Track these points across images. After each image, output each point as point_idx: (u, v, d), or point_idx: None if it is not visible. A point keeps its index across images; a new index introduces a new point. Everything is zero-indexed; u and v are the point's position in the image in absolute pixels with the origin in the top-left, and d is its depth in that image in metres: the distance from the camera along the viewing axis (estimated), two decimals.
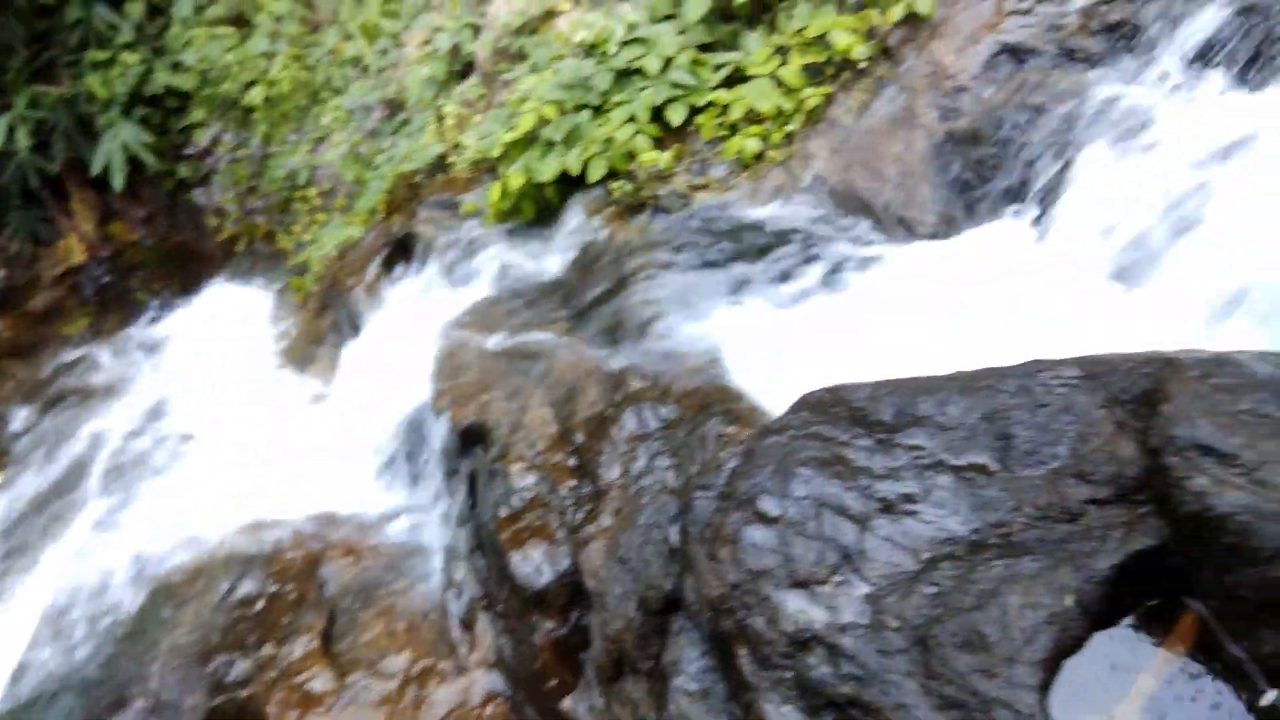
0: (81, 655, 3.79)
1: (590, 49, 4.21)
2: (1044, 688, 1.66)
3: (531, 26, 4.78)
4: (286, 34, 6.91)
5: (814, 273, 3.14)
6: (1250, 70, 2.70)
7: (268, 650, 3.41)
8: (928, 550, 1.91)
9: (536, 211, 4.27)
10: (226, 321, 6.39)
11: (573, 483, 2.91)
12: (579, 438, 3.00)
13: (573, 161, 4.00)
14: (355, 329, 4.73)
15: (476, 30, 5.31)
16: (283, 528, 3.80)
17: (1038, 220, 2.84)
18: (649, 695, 2.39)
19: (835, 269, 3.10)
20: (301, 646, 3.36)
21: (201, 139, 7.57)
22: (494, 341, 3.60)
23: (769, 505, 2.05)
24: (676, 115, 3.92)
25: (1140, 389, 1.90)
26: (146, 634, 3.69)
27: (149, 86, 7.91)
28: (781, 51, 3.82)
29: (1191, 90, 2.73)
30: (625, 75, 4.04)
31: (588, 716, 2.68)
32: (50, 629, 3.94)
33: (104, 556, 4.17)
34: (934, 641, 1.75)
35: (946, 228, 3.10)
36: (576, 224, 4.01)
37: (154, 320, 7.33)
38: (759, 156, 3.74)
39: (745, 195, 3.65)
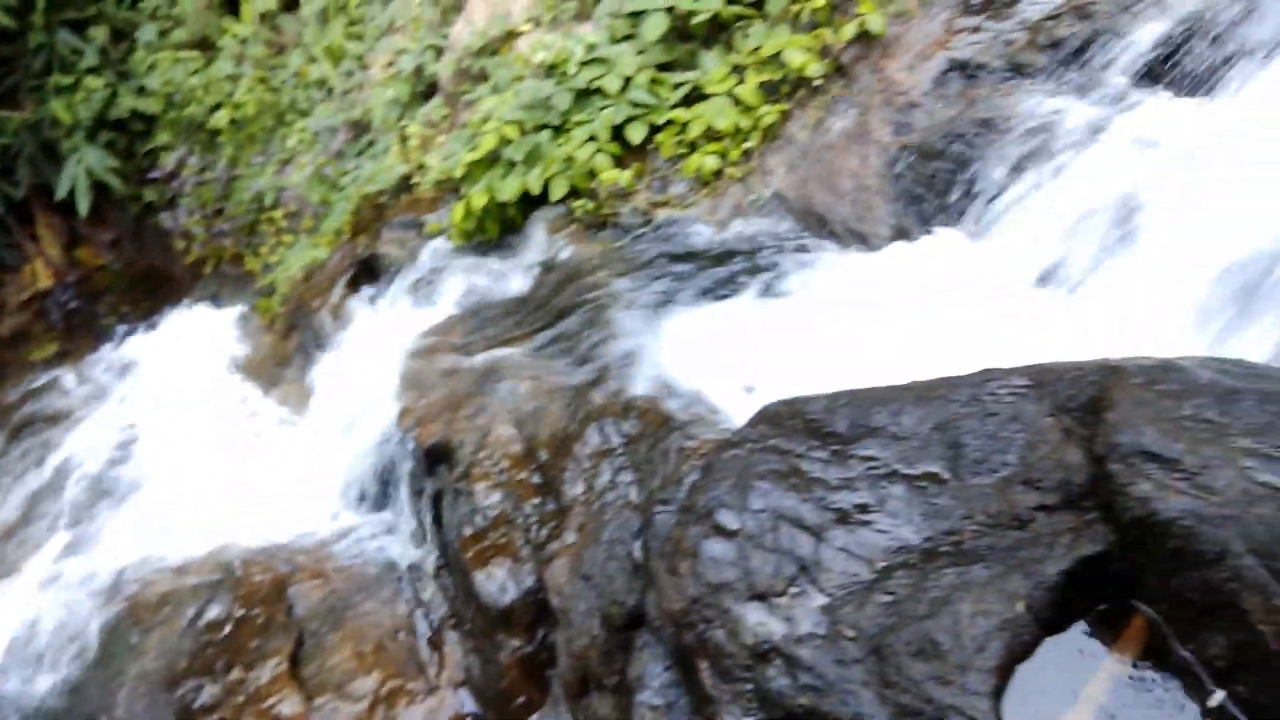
0: (47, 685, 3.75)
1: (550, 69, 4.24)
2: (997, 694, 1.68)
3: (492, 48, 4.81)
4: (251, 56, 6.91)
5: (773, 286, 3.17)
6: (1194, 82, 2.76)
7: (235, 675, 3.38)
8: (882, 559, 1.93)
9: (500, 230, 4.30)
10: (194, 344, 6.34)
11: (537, 500, 2.92)
12: (543, 455, 3.01)
13: (534, 181, 4.02)
14: (322, 350, 4.72)
15: (439, 52, 5.34)
16: (250, 551, 3.78)
17: (987, 232, 2.89)
18: (615, 710, 2.39)
19: (794, 282, 3.14)
20: (269, 670, 3.34)
21: (167, 162, 7.55)
22: (459, 360, 3.61)
23: (727, 519, 2.07)
24: (636, 134, 3.95)
25: (1086, 396, 1.93)
26: (113, 661, 3.66)
27: (114, 111, 7.89)
28: (738, 70, 3.87)
29: (1137, 102, 2.78)
30: (585, 95, 4.08)
31: None
32: (15, 658, 3.90)
33: (70, 584, 4.13)
34: (889, 650, 1.77)
35: (901, 241, 3.14)
36: (539, 242, 4.03)
37: (122, 344, 7.27)
38: (718, 173, 3.78)
39: (705, 212, 3.68)
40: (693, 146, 3.87)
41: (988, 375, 2.09)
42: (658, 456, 2.68)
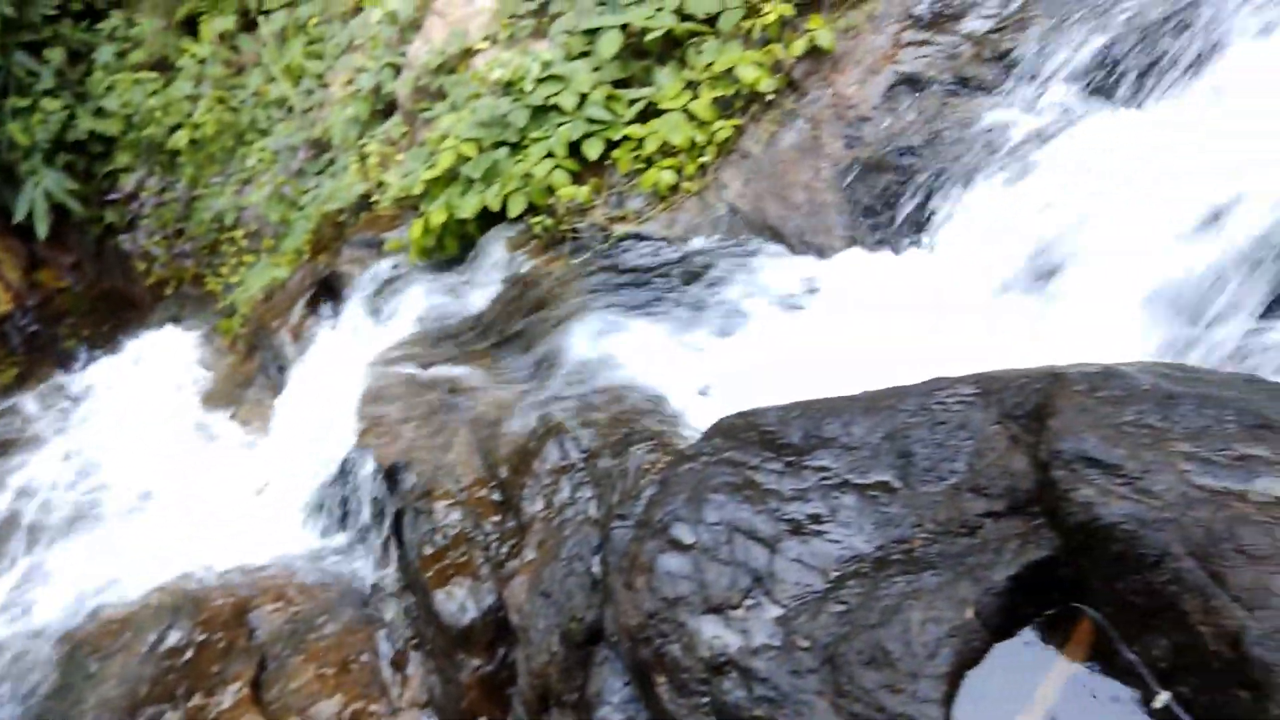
0: (5, 717, 3.69)
1: (507, 87, 4.25)
2: (948, 700, 1.70)
3: (450, 66, 4.82)
4: (211, 76, 6.88)
5: (729, 298, 3.19)
6: (1134, 90, 2.81)
7: (197, 700, 3.34)
8: (835, 569, 1.94)
9: (459, 247, 4.29)
10: (156, 367, 6.29)
11: (497, 518, 2.91)
12: (503, 472, 3.01)
13: (492, 198, 4.03)
14: (282, 370, 4.69)
15: (397, 70, 5.34)
16: (210, 575, 3.74)
17: (935, 243, 2.93)
18: None
19: (747, 295, 3.16)
20: (231, 696, 3.31)
21: (127, 184, 7.48)
22: (419, 378, 3.60)
23: (683, 532, 2.07)
24: (593, 150, 3.97)
25: (1032, 404, 1.95)
26: (73, 690, 3.61)
27: (72, 133, 7.82)
28: (692, 86, 3.90)
29: (1079, 112, 2.84)
30: (542, 112, 4.09)
31: None
32: None
33: (28, 612, 4.07)
34: (842, 660, 1.78)
35: (854, 251, 3.17)
36: (499, 259, 4.03)
37: (83, 368, 7.19)
38: (674, 188, 3.80)
39: (662, 226, 3.70)
40: (649, 162, 3.89)
41: (936, 384, 2.11)
42: (616, 471, 2.68)
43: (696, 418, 2.79)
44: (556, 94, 4.05)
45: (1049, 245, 2.67)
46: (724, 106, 3.81)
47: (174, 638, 3.57)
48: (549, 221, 3.94)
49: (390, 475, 3.29)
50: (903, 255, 3.04)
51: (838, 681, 1.77)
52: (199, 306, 6.96)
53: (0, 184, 7.90)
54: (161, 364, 6.26)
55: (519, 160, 4.05)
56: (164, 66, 7.41)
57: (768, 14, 3.73)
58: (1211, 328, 2.34)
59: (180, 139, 6.80)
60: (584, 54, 4.19)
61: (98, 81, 7.66)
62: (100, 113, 7.71)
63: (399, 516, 3.22)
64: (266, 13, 6.64)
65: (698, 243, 3.57)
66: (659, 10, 3.99)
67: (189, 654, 3.51)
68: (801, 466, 2.11)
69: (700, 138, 3.77)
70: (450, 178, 4.24)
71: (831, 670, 1.78)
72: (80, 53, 7.95)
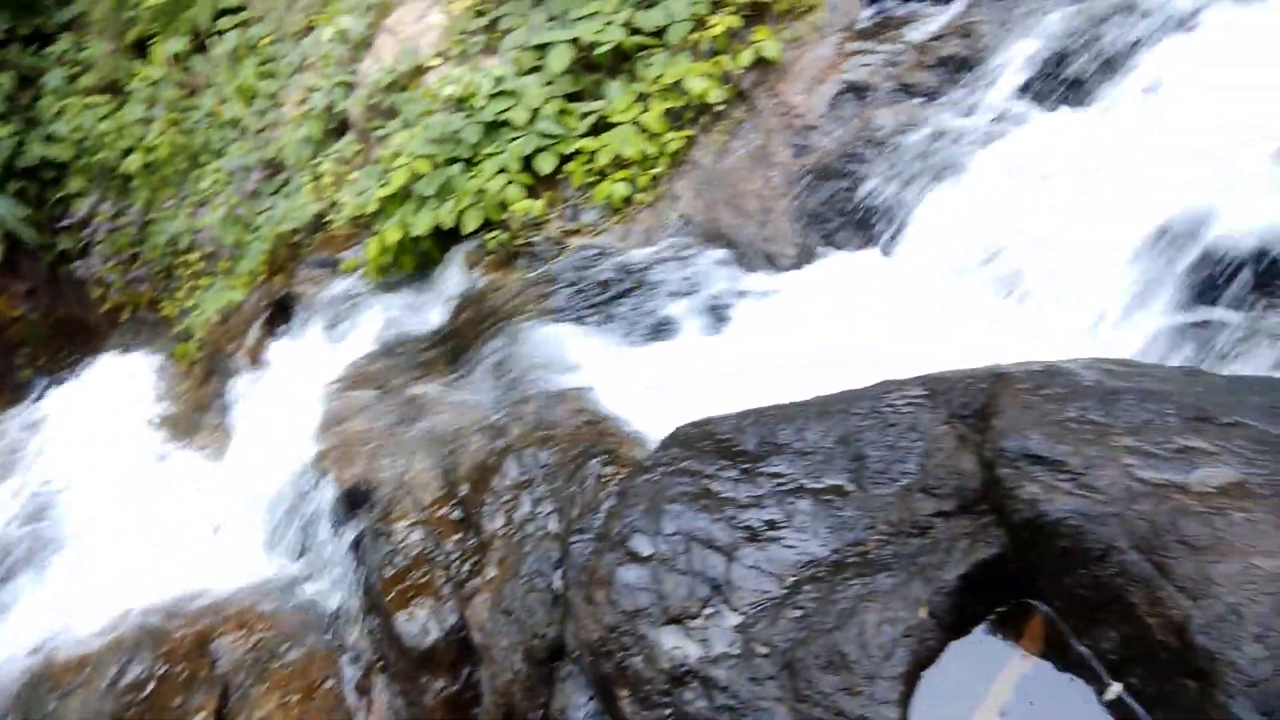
0: None
1: (459, 103, 4.25)
2: (905, 701, 1.71)
3: (401, 83, 4.81)
4: (163, 99, 6.81)
5: (683, 308, 3.21)
6: (1073, 92, 2.86)
7: None
8: (793, 574, 1.95)
9: (415, 265, 4.28)
10: (111, 394, 6.20)
11: (457, 536, 2.89)
12: (463, 489, 2.99)
13: (446, 214, 4.02)
14: (239, 394, 4.64)
15: (350, 88, 5.32)
16: (170, 605, 3.68)
17: (885, 246, 2.96)
18: None
19: (703, 304, 3.18)
20: None
21: (80, 209, 7.39)
22: (377, 398, 3.58)
23: (641, 544, 2.07)
24: (546, 164, 3.98)
25: (978, 403, 1.98)
26: None
27: (22, 159, 7.71)
28: (643, 99, 3.93)
29: (1020, 115, 2.88)
30: (494, 127, 4.09)
31: None
32: None
33: None
34: (800, 665, 1.79)
35: (807, 259, 3.20)
36: (455, 275, 4.03)
37: (39, 398, 7.07)
38: (628, 200, 3.82)
39: (616, 238, 3.72)
40: (602, 175, 3.91)
41: (886, 387, 2.13)
42: (576, 485, 2.68)
43: (654, 427, 2.79)
44: (508, 109, 4.06)
45: (997, 246, 2.71)
46: (674, 118, 3.84)
47: (135, 671, 3.51)
48: (504, 236, 3.94)
49: (349, 497, 3.26)
50: (854, 259, 3.07)
51: (796, 687, 1.77)
52: (155, 332, 6.88)
53: None
54: (118, 391, 6.17)
55: (472, 176, 4.05)
56: (115, 90, 7.33)
57: (714, 26, 3.76)
58: (1150, 318, 2.38)
59: (133, 163, 6.73)
60: (535, 69, 4.20)
61: (47, 106, 7.57)
62: (51, 138, 7.61)
63: (359, 539, 3.20)
64: (219, 33, 6.59)
65: (652, 253, 3.58)
66: (608, 24, 4.02)
67: (150, 687, 3.45)
68: (757, 473, 2.12)
69: (652, 150, 3.80)
70: (404, 195, 4.22)
71: (790, 676, 1.79)
72: (30, 78, 7.85)
